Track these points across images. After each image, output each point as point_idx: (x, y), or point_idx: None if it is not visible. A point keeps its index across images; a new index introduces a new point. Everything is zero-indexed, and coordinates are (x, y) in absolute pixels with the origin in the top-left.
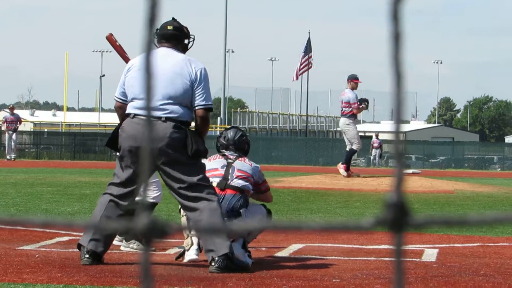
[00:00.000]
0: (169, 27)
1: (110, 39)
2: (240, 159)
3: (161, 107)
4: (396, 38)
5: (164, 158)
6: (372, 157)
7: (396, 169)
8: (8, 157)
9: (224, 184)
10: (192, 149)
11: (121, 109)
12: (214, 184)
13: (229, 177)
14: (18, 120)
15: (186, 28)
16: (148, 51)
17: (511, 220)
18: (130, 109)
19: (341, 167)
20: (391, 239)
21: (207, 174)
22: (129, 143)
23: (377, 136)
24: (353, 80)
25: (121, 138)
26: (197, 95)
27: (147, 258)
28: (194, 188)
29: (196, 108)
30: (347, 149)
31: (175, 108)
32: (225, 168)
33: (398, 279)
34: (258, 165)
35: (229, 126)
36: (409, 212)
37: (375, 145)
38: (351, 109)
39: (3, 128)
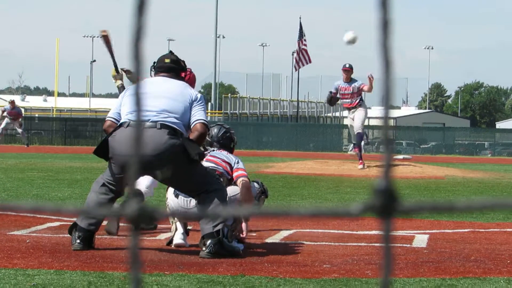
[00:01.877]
0: (167, 60)
1: (106, 37)
2: (218, 150)
3: (158, 117)
4: (385, 26)
5: (164, 167)
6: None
7: (385, 156)
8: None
9: None
10: (196, 153)
11: (110, 128)
12: None
13: None
14: (19, 113)
15: (183, 61)
16: (137, 38)
17: (498, 206)
18: (125, 119)
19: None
20: (380, 225)
21: None
22: (121, 151)
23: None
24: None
25: (112, 145)
26: (197, 111)
27: (136, 244)
28: (199, 185)
29: (196, 122)
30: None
31: (172, 120)
32: None
33: (386, 264)
34: (238, 158)
35: (214, 124)
36: (397, 198)
37: None
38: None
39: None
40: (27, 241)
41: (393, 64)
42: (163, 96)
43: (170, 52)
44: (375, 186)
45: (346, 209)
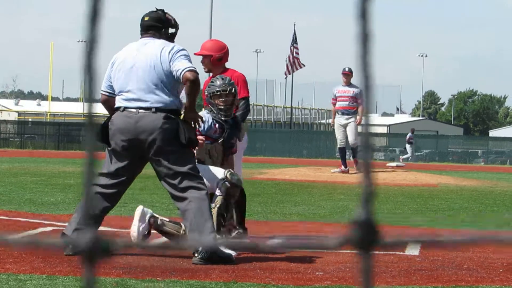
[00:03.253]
0: (146, 18)
1: None
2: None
3: (148, 96)
4: (365, 39)
5: (155, 149)
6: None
7: (365, 185)
8: None
9: None
10: (185, 138)
11: (107, 103)
12: None
13: None
14: None
15: (169, 16)
16: (90, 49)
17: (482, 241)
18: (119, 103)
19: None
20: (359, 260)
21: None
22: (120, 137)
23: (412, 132)
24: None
25: (111, 131)
26: (177, 63)
27: (90, 279)
28: (183, 177)
29: (184, 71)
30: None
31: (162, 96)
32: None
33: None
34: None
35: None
36: (377, 231)
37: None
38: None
39: None
40: None
41: (373, 79)
42: (144, 67)
43: (155, 8)
44: (354, 218)
45: (322, 242)
